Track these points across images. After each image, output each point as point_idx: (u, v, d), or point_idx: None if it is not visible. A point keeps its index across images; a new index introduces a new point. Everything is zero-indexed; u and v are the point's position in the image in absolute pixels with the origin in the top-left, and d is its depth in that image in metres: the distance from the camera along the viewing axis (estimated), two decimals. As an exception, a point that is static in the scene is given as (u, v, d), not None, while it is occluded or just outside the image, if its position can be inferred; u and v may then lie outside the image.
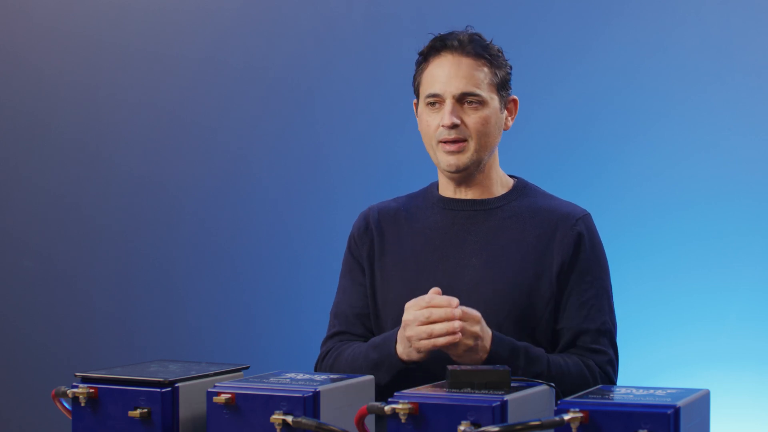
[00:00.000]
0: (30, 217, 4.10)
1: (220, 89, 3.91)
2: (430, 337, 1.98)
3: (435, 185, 2.34)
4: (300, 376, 1.80)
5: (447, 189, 2.29)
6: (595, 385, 2.06)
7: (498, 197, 2.26)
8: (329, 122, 3.80)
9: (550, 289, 2.18)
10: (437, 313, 1.98)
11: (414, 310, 2.01)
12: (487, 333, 2.04)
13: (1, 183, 4.13)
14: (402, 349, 2.07)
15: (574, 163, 3.49)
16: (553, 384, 1.78)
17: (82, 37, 4.03)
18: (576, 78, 3.50)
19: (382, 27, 3.73)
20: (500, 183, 2.29)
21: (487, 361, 2.03)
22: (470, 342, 2.01)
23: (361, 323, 2.29)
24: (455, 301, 1.99)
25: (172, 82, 3.96)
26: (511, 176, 2.33)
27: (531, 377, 1.97)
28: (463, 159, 2.21)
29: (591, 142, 3.50)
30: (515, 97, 2.28)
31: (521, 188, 2.29)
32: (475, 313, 2.02)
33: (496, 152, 2.27)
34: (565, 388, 2.00)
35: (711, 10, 3.40)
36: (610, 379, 2.18)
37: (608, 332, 2.20)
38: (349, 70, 3.77)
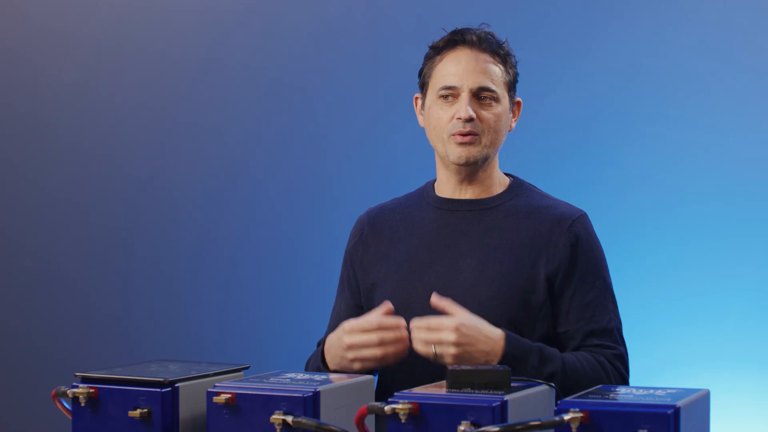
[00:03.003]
0: (30, 217, 4.10)
1: (220, 89, 3.91)
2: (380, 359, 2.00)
3: (431, 185, 2.31)
4: (300, 376, 1.80)
5: (446, 188, 2.27)
6: (609, 381, 2.09)
7: (494, 197, 2.24)
8: (329, 123, 3.80)
9: (544, 292, 2.16)
10: (387, 336, 2.00)
11: (359, 333, 2.01)
12: (494, 337, 2.00)
13: (1, 183, 4.13)
14: (336, 363, 2.08)
15: (574, 164, 3.49)
16: (553, 384, 1.78)
17: (82, 37, 4.03)
18: (576, 78, 3.50)
19: (381, 29, 3.73)
20: (499, 182, 2.27)
21: (501, 362, 1.99)
22: (453, 351, 1.96)
23: None
24: (402, 322, 2.00)
25: (172, 82, 3.96)
26: (507, 174, 2.31)
27: (545, 377, 1.96)
28: (474, 152, 2.18)
29: (590, 142, 3.50)
30: (520, 99, 2.28)
31: (517, 187, 2.27)
32: (473, 322, 1.99)
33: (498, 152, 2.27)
34: (581, 385, 1.95)
35: (711, 10, 3.40)
36: (621, 373, 2.17)
37: (615, 329, 2.19)
38: (349, 72, 3.77)
